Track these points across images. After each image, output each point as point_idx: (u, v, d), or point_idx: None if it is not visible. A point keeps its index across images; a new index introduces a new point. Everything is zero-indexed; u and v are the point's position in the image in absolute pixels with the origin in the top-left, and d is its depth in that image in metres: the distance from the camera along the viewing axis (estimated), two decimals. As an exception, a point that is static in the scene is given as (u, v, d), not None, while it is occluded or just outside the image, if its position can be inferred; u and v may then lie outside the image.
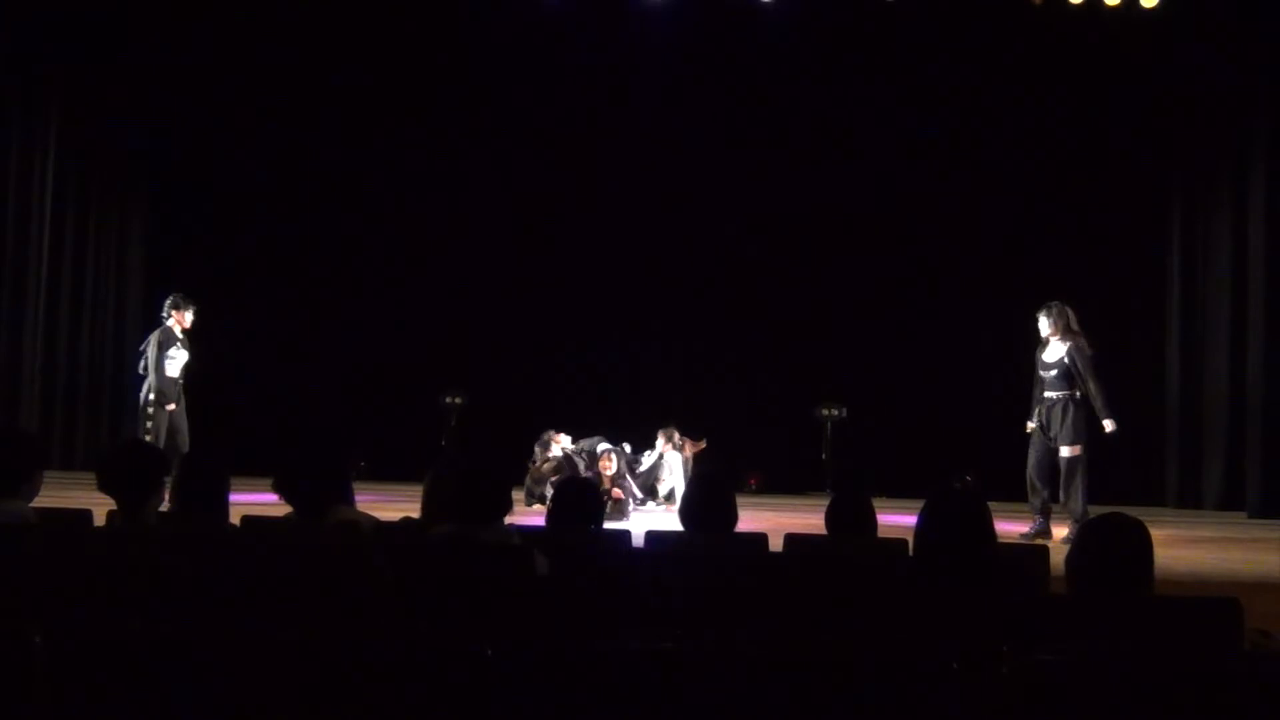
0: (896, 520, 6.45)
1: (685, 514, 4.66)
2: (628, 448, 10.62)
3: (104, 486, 4.02)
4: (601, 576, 3.67)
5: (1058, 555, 4.22)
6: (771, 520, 7.91)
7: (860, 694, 2.35)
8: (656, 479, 10.68)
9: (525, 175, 12.78)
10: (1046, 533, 8.21)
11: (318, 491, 4.07)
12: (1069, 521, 8.21)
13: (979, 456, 11.06)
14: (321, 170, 12.59)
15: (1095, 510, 6.48)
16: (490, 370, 12.48)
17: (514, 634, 2.50)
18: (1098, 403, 8.27)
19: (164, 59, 12.19)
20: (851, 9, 12.06)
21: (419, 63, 12.50)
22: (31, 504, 4.15)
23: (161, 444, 8.65)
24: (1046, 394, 8.38)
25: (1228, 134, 11.51)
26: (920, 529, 3.51)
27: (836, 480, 10.24)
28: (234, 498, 4.21)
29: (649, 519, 9.31)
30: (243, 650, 2.40)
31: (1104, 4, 10.74)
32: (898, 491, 9.53)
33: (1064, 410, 8.28)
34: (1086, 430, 8.30)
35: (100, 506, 4.50)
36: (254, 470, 5.82)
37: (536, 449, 10.23)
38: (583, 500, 4.63)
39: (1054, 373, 8.34)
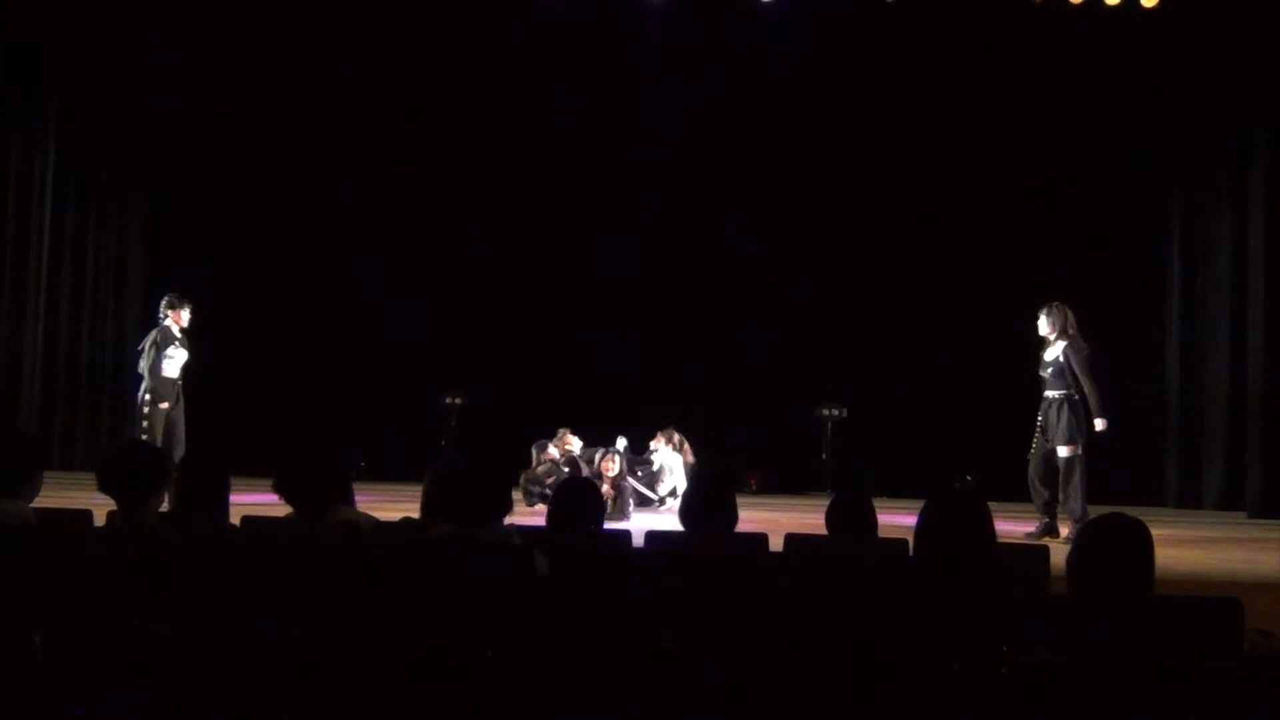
0: (896, 520, 6.44)
1: (685, 514, 4.65)
2: (622, 443, 10.60)
3: (104, 486, 4.02)
4: (601, 576, 3.67)
5: (1058, 555, 4.23)
6: (771, 520, 7.91)
7: (860, 694, 2.35)
8: (657, 480, 10.67)
9: (525, 175, 12.78)
10: (1053, 531, 8.22)
11: (318, 491, 4.08)
12: (1069, 521, 8.22)
13: (979, 456, 11.08)
14: (321, 170, 12.59)
15: (1095, 510, 6.47)
16: (490, 370, 12.48)
17: (514, 634, 2.49)
18: (1092, 401, 8.28)
19: (164, 59, 12.19)
20: (851, 9, 12.06)
21: (419, 63, 12.50)
22: (31, 504, 4.14)
23: (158, 443, 8.64)
24: (1045, 394, 8.42)
25: (1228, 134, 11.52)
26: (920, 529, 3.51)
27: (836, 480, 10.26)
28: (234, 498, 4.20)
29: (649, 519, 9.31)
30: (243, 650, 2.40)
31: (1104, 4, 10.74)
32: (898, 491, 9.53)
33: (1060, 410, 8.29)
34: (1083, 430, 8.30)
35: (100, 506, 4.49)
36: (254, 470, 5.82)
37: (534, 450, 10.22)
38: (583, 500, 4.62)
39: (1051, 372, 8.36)
